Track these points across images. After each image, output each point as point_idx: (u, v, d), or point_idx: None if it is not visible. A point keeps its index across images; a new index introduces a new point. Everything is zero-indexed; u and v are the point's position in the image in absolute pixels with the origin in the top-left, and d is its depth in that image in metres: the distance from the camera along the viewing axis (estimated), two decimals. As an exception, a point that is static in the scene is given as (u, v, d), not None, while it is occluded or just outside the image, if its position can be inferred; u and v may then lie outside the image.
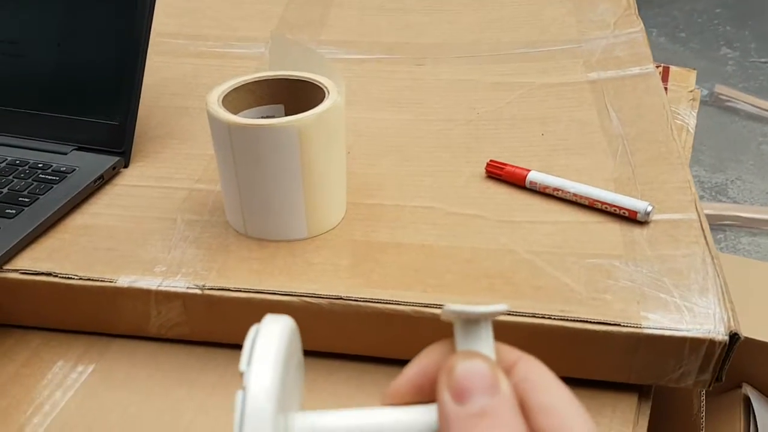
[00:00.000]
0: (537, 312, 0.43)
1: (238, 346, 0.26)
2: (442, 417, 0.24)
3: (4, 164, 0.56)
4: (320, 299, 0.45)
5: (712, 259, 0.47)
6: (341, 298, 0.45)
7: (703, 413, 0.68)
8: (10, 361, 0.48)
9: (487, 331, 0.26)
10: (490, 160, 0.56)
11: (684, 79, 0.86)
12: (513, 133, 0.62)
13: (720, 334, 0.42)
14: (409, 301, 0.44)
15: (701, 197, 1.69)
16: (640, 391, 0.45)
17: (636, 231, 0.50)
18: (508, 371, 0.26)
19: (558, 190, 0.53)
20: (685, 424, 0.68)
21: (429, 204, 0.53)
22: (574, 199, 0.53)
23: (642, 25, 0.79)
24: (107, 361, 0.48)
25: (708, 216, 0.51)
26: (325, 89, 0.49)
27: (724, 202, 1.73)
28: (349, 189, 0.53)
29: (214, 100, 0.48)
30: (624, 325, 0.42)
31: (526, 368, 0.26)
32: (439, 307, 0.43)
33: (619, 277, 0.46)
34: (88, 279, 0.47)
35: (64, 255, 0.49)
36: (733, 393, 0.82)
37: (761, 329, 0.77)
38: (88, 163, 0.57)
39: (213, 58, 0.76)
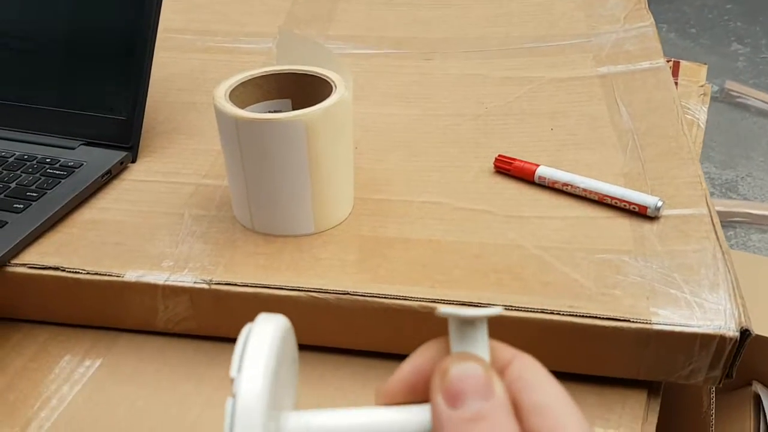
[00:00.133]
0: (546, 308, 0.43)
1: (245, 341, 0.26)
2: (436, 420, 0.24)
3: (12, 159, 0.56)
4: (327, 294, 0.45)
5: (723, 254, 0.47)
6: (348, 294, 0.44)
7: (713, 410, 0.67)
8: (18, 356, 0.48)
9: (482, 332, 0.26)
10: (499, 155, 0.56)
11: (694, 73, 0.86)
12: (522, 127, 0.62)
13: (731, 330, 0.41)
14: (416, 296, 0.44)
15: (711, 194, 1.68)
16: (650, 387, 0.45)
17: (646, 226, 0.49)
18: (502, 370, 0.26)
19: (567, 185, 0.53)
20: (694, 421, 0.68)
21: (437, 199, 0.53)
22: (583, 194, 0.52)
23: (652, 19, 0.78)
24: (114, 356, 0.48)
25: (718, 213, 0.51)
26: (332, 84, 0.49)
27: (735, 198, 1.72)
28: (356, 184, 0.53)
29: (221, 94, 0.48)
30: (633, 321, 0.42)
31: (521, 367, 0.26)
32: (447, 303, 0.43)
33: (628, 272, 0.45)
34: (96, 273, 0.47)
35: (72, 250, 0.49)
36: (743, 390, 0.81)
37: (772, 326, 0.76)
38: (96, 158, 0.57)
39: (220, 54, 0.76)
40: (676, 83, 0.81)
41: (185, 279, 0.46)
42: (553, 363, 0.44)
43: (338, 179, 0.50)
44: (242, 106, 0.48)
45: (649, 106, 0.63)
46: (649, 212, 0.50)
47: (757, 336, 0.45)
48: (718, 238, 0.48)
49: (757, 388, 0.80)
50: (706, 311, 0.42)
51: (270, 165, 0.47)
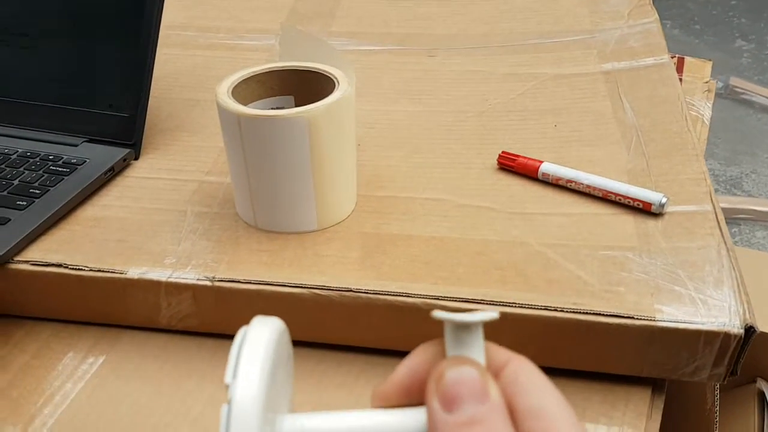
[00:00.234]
0: (549, 305, 0.42)
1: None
2: (432, 424, 0.24)
3: (15, 156, 0.56)
4: (330, 291, 0.45)
5: (728, 251, 0.46)
6: (351, 290, 0.44)
7: (717, 407, 0.67)
8: (21, 352, 0.48)
9: (477, 336, 0.26)
10: (502, 152, 0.56)
11: (699, 69, 0.85)
12: (525, 124, 0.61)
13: (735, 328, 0.41)
14: (419, 293, 0.44)
15: (715, 191, 1.67)
16: (654, 384, 0.44)
17: (650, 223, 0.49)
18: (497, 373, 0.26)
19: (571, 181, 0.52)
20: (698, 419, 0.67)
21: (440, 196, 0.53)
22: (587, 190, 0.52)
23: (656, 15, 0.78)
24: (117, 353, 0.48)
25: (722, 210, 0.50)
26: (335, 80, 0.49)
27: (739, 195, 1.71)
28: (359, 181, 0.53)
29: (223, 91, 0.48)
30: (638, 318, 0.42)
31: (516, 370, 0.26)
32: (450, 300, 0.43)
33: (632, 269, 0.45)
34: (99, 270, 0.47)
35: (75, 247, 0.49)
36: (747, 388, 0.81)
37: (777, 323, 0.76)
38: (99, 155, 0.56)
39: (223, 50, 0.76)
40: (680, 79, 0.81)
41: (188, 276, 0.46)
42: (557, 360, 0.44)
43: (341, 176, 0.49)
44: (245, 103, 0.48)
45: (654, 103, 0.63)
46: (653, 209, 0.49)
47: (762, 333, 0.45)
48: (722, 235, 0.48)
49: (762, 385, 0.80)
50: (710, 308, 0.42)
51: (273, 162, 0.47)
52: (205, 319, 0.47)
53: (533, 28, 0.78)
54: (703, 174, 0.53)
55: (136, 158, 0.58)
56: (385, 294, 0.44)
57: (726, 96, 2.07)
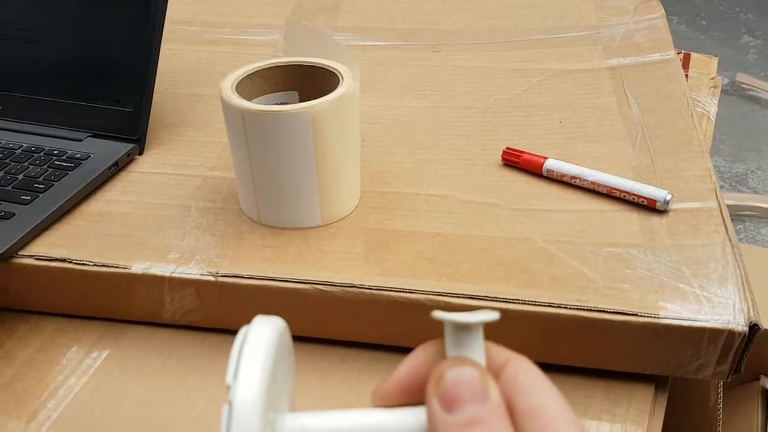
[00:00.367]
0: (553, 301, 0.42)
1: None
2: (432, 425, 0.24)
3: (19, 151, 0.57)
4: (333, 287, 0.45)
5: (732, 248, 0.46)
6: (354, 286, 0.44)
7: (720, 405, 0.67)
8: (25, 347, 0.48)
9: (477, 336, 0.26)
10: (507, 148, 0.56)
11: (705, 66, 0.85)
12: (530, 120, 0.61)
13: (739, 325, 0.41)
14: (422, 289, 0.44)
15: (721, 187, 1.67)
16: (657, 381, 0.44)
17: (655, 220, 0.49)
18: (497, 373, 0.26)
19: (576, 178, 0.52)
20: (702, 416, 0.67)
21: (444, 192, 0.53)
22: (591, 187, 0.52)
23: (662, 10, 0.78)
24: (121, 348, 0.48)
25: (727, 207, 0.50)
26: (339, 75, 0.49)
27: (744, 192, 1.71)
28: (363, 177, 0.53)
29: (227, 86, 0.47)
30: (642, 315, 0.42)
31: (516, 370, 0.26)
32: (454, 296, 0.43)
33: (637, 266, 0.45)
34: (103, 265, 0.47)
35: (79, 241, 0.49)
36: (751, 385, 0.81)
37: (781, 321, 0.76)
38: (103, 150, 0.57)
39: (228, 45, 0.76)
40: (686, 75, 0.80)
41: (192, 271, 0.46)
42: (560, 357, 0.44)
43: (345, 172, 0.49)
44: (249, 98, 0.48)
45: (659, 99, 0.63)
46: (658, 206, 0.49)
47: (766, 330, 0.45)
48: (727, 232, 0.47)
49: (765, 382, 0.79)
50: (714, 305, 0.42)
51: (277, 157, 0.47)
52: (209, 315, 0.47)
53: (538, 24, 0.77)
54: (708, 171, 0.53)
55: (141, 153, 0.58)
56: (388, 290, 0.44)
57: (732, 92, 2.07)
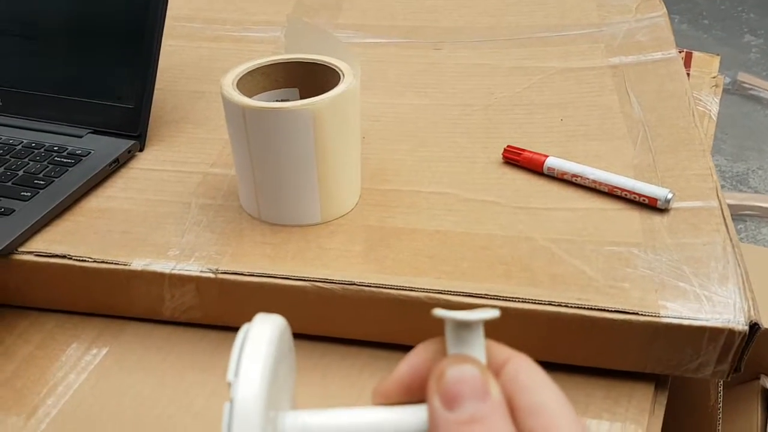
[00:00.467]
0: (554, 300, 0.42)
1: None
2: (432, 423, 0.24)
3: (19, 147, 0.57)
4: (333, 284, 0.44)
5: (733, 247, 0.46)
6: (354, 284, 0.44)
7: (720, 404, 0.67)
8: (25, 343, 0.48)
9: (478, 334, 0.26)
10: (508, 146, 0.55)
11: (707, 64, 0.85)
12: (531, 118, 0.61)
13: (740, 324, 0.41)
14: (422, 287, 0.44)
15: (722, 187, 1.67)
16: (657, 380, 0.44)
17: (656, 218, 0.49)
18: (498, 371, 0.26)
19: (576, 176, 0.52)
20: (701, 415, 0.67)
21: (445, 190, 0.53)
22: (592, 185, 0.52)
23: (664, 9, 0.77)
24: (121, 344, 0.48)
25: (728, 206, 0.50)
26: (340, 72, 0.48)
27: (745, 192, 1.71)
28: (364, 174, 0.53)
29: (228, 83, 0.47)
30: (642, 314, 0.41)
31: (516, 368, 0.26)
32: (454, 294, 0.43)
33: (637, 265, 0.45)
34: (103, 262, 0.47)
35: (79, 238, 0.49)
36: (751, 384, 0.81)
37: (782, 320, 0.75)
38: (104, 147, 0.56)
39: (229, 42, 0.76)
40: (688, 74, 0.80)
41: (192, 268, 0.46)
42: (560, 355, 0.44)
43: (345, 169, 0.49)
44: (250, 95, 0.48)
45: (661, 98, 0.63)
46: (659, 204, 0.49)
47: (766, 330, 0.45)
48: (728, 231, 0.47)
49: (765, 382, 0.79)
50: (715, 305, 0.42)
51: (277, 154, 0.47)
52: (209, 311, 0.47)
53: (540, 22, 0.77)
54: (709, 170, 0.53)
55: (141, 150, 0.58)
56: (388, 288, 0.44)
57: (734, 91, 2.06)
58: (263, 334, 0.25)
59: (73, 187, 0.52)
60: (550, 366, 0.26)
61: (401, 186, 0.53)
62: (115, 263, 0.47)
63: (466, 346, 0.26)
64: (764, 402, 0.79)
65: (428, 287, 0.44)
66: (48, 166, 0.54)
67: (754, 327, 0.41)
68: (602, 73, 0.67)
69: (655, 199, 0.49)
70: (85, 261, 0.47)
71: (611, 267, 0.45)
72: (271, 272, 0.45)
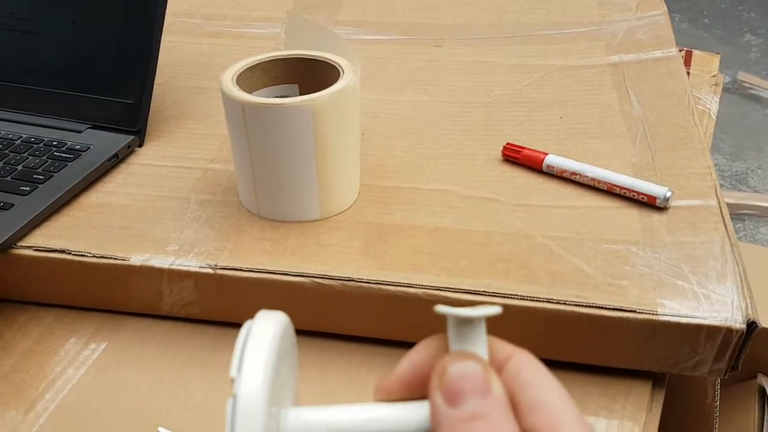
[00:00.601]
0: (552, 297, 0.42)
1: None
2: (435, 419, 0.24)
3: (18, 142, 0.56)
4: (332, 281, 0.45)
5: (732, 246, 0.46)
6: (353, 280, 0.44)
7: (717, 402, 0.67)
8: (24, 337, 0.48)
9: (480, 330, 0.26)
10: (507, 143, 0.55)
11: (707, 63, 0.85)
12: (531, 116, 0.61)
13: (737, 323, 0.41)
14: (421, 284, 0.44)
15: (720, 186, 1.67)
16: (654, 378, 0.44)
17: (655, 217, 0.49)
18: (500, 367, 0.26)
19: (576, 174, 0.52)
20: (698, 413, 0.67)
21: (444, 187, 0.53)
22: (592, 183, 0.52)
23: (665, 7, 0.77)
24: (120, 339, 0.48)
25: (727, 205, 0.50)
26: (340, 69, 0.48)
27: (744, 191, 1.71)
28: (363, 171, 0.53)
29: (228, 79, 0.47)
30: (640, 312, 0.42)
31: (519, 364, 0.26)
32: (453, 291, 0.43)
33: (636, 263, 0.45)
34: (101, 257, 0.47)
35: (78, 233, 0.49)
36: (748, 383, 0.81)
37: (779, 319, 0.76)
38: (103, 142, 0.56)
39: (229, 38, 0.76)
40: (688, 73, 0.80)
41: (190, 263, 0.46)
42: (558, 353, 0.44)
43: (345, 165, 0.49)
44: (249, 91, 0.48)
45: (660, 96, 0.63)
46: (658, 203, 0.49)
47: (763, 329, 0.45)
48: (726, 230, 0.47)
49: (762, 380, 0.80)
50: (713, 303, 0.42)
51: (276, 150, 0.47)
52: (207, 307, 0.47)
53: (540, 19, 0.77)
54: (708, 168, 0.53)
55: (141, 145, 0.58)
56: (387, 284, 0.44)
57: (733, 90, 2.06)
58: (266, 331, 0.25)
59: (72, 182, 0.52)
60: (547, 363, 0.26)
61: (400, 183, 0.53)
62: (114, 258, 0.47)
63: (468, 342, 0.26)
64: (761, 400, 0.79)
65: (427, 284, 0.44)
66: (47, 161, 0.54)
67: (751, 325, 0.41)
68: (602, 71, 0.67)
69: (654, 198, 0.49)
70: (84, 256, 0.47)
71: (610, 265, 0.45)
72: (270, 268, 0.45)
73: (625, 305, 0.42)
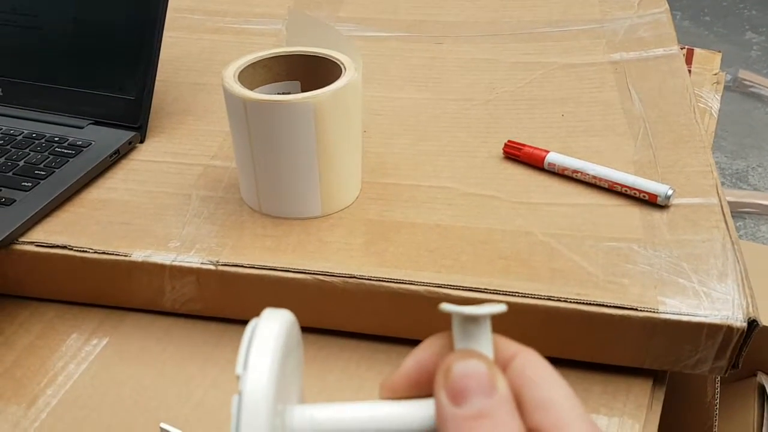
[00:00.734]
0: (553, 295, 0.42)
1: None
2: (440, 418, 0.24)
3: (20, 137, 0.57)
4: (333, 277, 0.45)
5: (733, 244, 0.46)
6: (354, 277, 0.44)
7: (717, 400, 0.67)
8: (26, 333, 0.48)
9: (485, 328, 0.26)
10: (508, 141, 0.55)
11: (708, 61, 0.85)
12: (532, 113, 0.61)
13: (738, 321, 0.41)
14: (422, 281, 0.44)
15: (721, 184, 1.67)
16: (655, 376, 0.44)
17: (656, 215, 0.49)
18: (505, 365, 0.26)
19: (577, 172, 0.52)
20: (698, 411, 0.68)
21: (445, 184, 0.53)
22: (593, 181, 0.52)
23: (667, 5, 0.77)
24: (121, 335, 0.48)
25: (728, 203, 0.50)
26: (342, 66, 0.48)
27: (745, 189, 1.71)
28: (365, 168, 0.53)
29: (230, 75, 0.47)
30: (641, 310, 0.42)
31: (524, 362, 0.26)
32: (454, 288, 0.43)
33: (637, 261, 0.45)
34: (103, 253, 0.47)
35: (80, 229, 0.49)
36: (748, 381, 0.81)
37: (779, 317, 0.76)
38: (104, 138, 0.56)
39: (230, 34, 0.76)
40: (689, 71, 0.80)
41: (192, 260, 0.46)
42: (559, 350, 0.44)
43: (346, 162, 0.49)
44: (251, 88, 0.48)
45: (662, 94, 0.63)
46: (659, 201, 0.49)
47: (764, 327, 0.45)
48: (728, 228, 0.48)
49: (762, 378, 0.80)
50: (713, 301, 0.42)
51: (278, 147, 0.47)
52: (209, 303, 0.48)
53: (542, 17, 0.77)
54: (709, 166, 0.53)
55: (142, 141, 0.58)
56: (388, 281, 0.44)
57: (735, 89, 2.06)
58: (272, 329, 0.25)
59: (73, 178, 0.52)
60: (548, 361, 0.26)
61: (402, 180, 0.53)
62: (116, 254, 0.47)
63: (473, 340, 0.26)
64: (761, 398, 0.79)
65: (428, 281, 0.44)
66: (49, 157, 0.54)
67: (752, 324, 0.41)
68: (603, 69, 0.67)
69: (655, 196, 0.49)
70: (85, 252, 0.47)
71: (611, 262, 0.45)
72: (271, 265, 0.45)
73: (625, 303, 0.42)
